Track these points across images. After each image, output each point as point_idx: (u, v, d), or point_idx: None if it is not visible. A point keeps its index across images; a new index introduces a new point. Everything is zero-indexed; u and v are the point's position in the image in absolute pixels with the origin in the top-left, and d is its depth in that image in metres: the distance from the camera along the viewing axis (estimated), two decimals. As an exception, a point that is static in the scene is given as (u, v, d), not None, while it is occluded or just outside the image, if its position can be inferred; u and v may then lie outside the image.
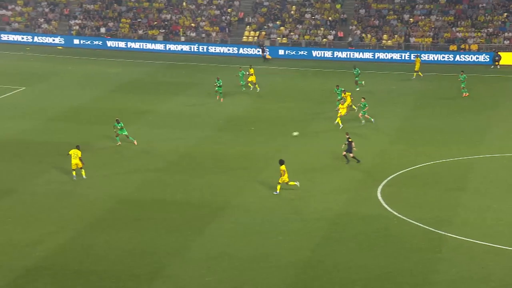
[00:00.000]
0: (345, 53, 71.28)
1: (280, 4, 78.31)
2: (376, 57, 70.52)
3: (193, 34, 75.56)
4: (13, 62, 67.35)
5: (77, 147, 37.64)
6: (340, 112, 47.71)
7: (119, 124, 42.83)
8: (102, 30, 76.83)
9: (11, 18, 78.08)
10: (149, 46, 74.25)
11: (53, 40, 75.44)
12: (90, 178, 37.97)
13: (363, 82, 57.97)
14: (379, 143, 44.30)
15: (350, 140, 40.56)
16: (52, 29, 77.19)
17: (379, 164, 40.66)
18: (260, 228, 32.37)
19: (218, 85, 53.63)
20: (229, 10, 78.27)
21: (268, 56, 70.97)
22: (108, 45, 74.94)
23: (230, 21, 76.87)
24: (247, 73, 57.22)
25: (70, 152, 37.50)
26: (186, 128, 47.08)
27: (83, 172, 37.55)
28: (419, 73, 62.14)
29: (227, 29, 75.95)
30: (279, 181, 36.05)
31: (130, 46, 74.48)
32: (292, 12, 77.35)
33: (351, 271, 28.59)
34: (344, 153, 40.54)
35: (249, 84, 57.15)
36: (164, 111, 51.01)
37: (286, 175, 35.94)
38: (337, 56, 71.16)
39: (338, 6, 77.61)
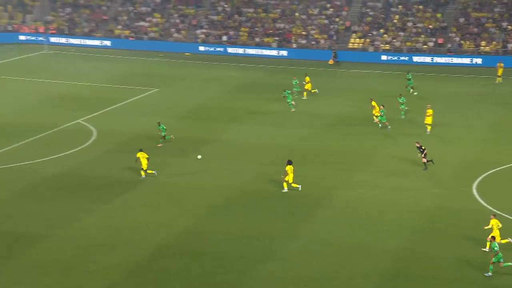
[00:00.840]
0: (444, 58, 70.26)
1: (384, 14, 77.87)
2: (473, 62, 69.22)
3: (304, 41, 76.18)
4: (149, 66, 69.64)
5: (141, 150, 38.06)
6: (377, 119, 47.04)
7: (161, 127, 42.94)
8: (224, 38, 78.47)
9: (148, 28, 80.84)
10: (265, 52, 75.41)
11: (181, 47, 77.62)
12: (213, 169, 39.12)
13: (411, 88, 56.15)
14: (472, 143, 43.67)
15: (422, 148, 38.95)
16: (181, 38, 79.43)
17: (472, 162, 40.09)
18: (358, 218, 32.75)
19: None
20: (337, 19, 78.46)
21: (330, 61, 70.96)
22: (229, 51, 76.47)
23: (338, 30, 77.07)
24: (304, 82, 56.04)
25: (137, 155, 37.88)
26: (294, 126, 47.71)
27: (142, 173, 37.93)
28: (499, 78, 60.75)
29: (334, 36, 76.20)
30: (285, 179, 35.55)
31: (248, 52, 75.85)
32: (395, 20, 76.76)
33: (442, 260, 28.55)
34: (424, 160, 38.95)
35: (305, 93, 55.51)
36: (275, 110, 51.77)
37: (291, 176, 35.40)
38: (436, 61, 70.25)
39: (438, 15, 76.43)
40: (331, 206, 34.36)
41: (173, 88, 59.48)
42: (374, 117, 47.64)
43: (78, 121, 47.86)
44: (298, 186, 35.95)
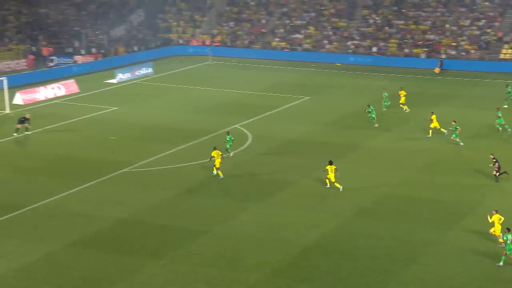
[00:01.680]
0: None
1: (535, 25, 73.10)
2: None
3: (453, 52, 72.95)
4: (302, 76, 69.58)
5: (215, 148, 37.97)
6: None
7: (228, 136, 41.54)
8: (374, 49, 76.82)
9: (302, 40, 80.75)
10: (412, 63, 73.02)
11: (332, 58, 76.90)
12: (360, 174, 38.23)
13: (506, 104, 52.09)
14: None
15: (494, 160, 36.77)
16: (333, 49, 78.64)
17: None
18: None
19: (369, 110, 48.75)
20: (488, 30, 74.50)
21: (436, 70, 68.03)
22: (378, 62, 74.77)
23: (489, 40, 73.14)
24: (397, 94, 53.19)
25: (212, 154, 37.73)
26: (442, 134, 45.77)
27: (220, 172, 37.69)
28: None
29: (485, 47, 72.39)
30: (328, 177, 35.64)
31: (396, 63, 73.73)
32: (546, 32, 71.85)
33: None
34: (495, 172, 36.61)
35: (401, 105, 52.54)
36: (425, 118, 49.85)
37: (332, 174, 35.39)
38: None
39: None
40: (476, 216, 32.32)
41: (323, 96, 58.86)
42: (430, 131, 45.22)
43: (235, 126, 48.40)
44: (339, 186, 35.57)
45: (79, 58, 73.30)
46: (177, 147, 43.61)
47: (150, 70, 69.77)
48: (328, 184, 36.12)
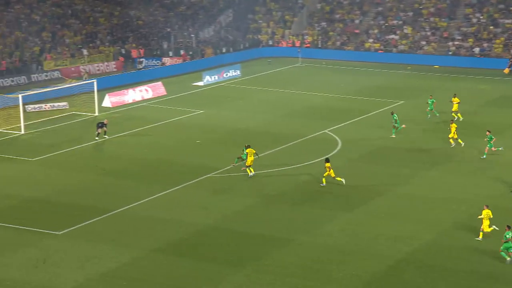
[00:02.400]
0: None
1: None
2: None
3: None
4: (396, 79, 68.50)
5: (249, 146, 38.83)
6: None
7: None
8: (476, 50, 74.67)
9: (398, 41, 79.48)
10: (518, 64, 70.58)
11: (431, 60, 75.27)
12: (457, 183, 37.24)
13: None
14: None
15: None
16: (431, 50, 77.02)
17: None
18: None
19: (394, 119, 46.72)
20: None
21: (506, 70, 65.67)
22: (480, 64, 72.61)
23: None
24: (450, 101, 50.91)
25: (247, 151, 38.74)
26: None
27: (250, 170, 38.57)
28: None
29: None
30: (324, 175, 36.88)
31: (501, 65, 71.33)
32: None
33: None
34: None
35: (453, 114, 50.32)
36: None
37: (331, 170, 36.78)
38: None
39: None
40: None
41: (419, 101, 57.61)
42: (451, 141, 43.86)
43: (325, 131, 48.15)
44: (342, 179, 36.90)
45: (167, 60, 74.91)
46: (264, 152, 43.78)
47: (238, 72, 70.45)
48: (324, 183, 37.10)
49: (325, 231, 31.90)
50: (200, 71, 69.58)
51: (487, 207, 30.82)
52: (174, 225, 32.66)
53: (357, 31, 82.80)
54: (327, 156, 38.65)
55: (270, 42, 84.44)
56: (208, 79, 67.13)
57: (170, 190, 37.25)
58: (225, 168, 40.67)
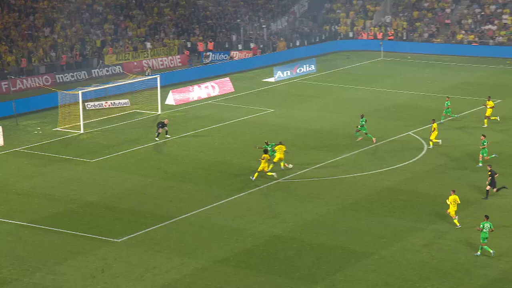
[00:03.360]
0: None
1: None
2: None
3: None
4: (492, 75, 67.14)
5: (281, 143, 40.01)
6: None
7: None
8: None
9: (496, 32, 77.71)
10: None
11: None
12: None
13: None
14: None
15: (489, 172, 36.42)
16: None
17: None
18: None
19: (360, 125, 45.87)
20: None
21: None
22: None
23: None
24: (483, 105, 49.53)
25: (276, 148, 40.21)
26: None
27: (282, 164, 40.13)
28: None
29: None
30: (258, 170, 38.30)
31: None
32: None
33: None
34: (488, 187, 36.37)
35: (485, 120, 48.87)
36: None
37: (265, 164, 38.27)
38: None
39: None
40: None
41: (516, 100, 56.52)
42: (430, 143, 44.28)
43: (408, 133, 47.60)
44: (273, 174, 38.60)
45: (235, 54, 75.53)
46: (339, 155, 43.63)
47: (312, 67, 70.39)
48: (253, 177, 38.74)
49: (409, 244, 31.52)
50: (271, 66, 69.84)
51: (454, 192, 33.09)
52: (241, 234, 32.88)
53: (448, 21, 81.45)
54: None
55: (350, 34, 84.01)
56: (280, 75, 67.32)
57: (236, 196, 37.53)
58: (297, 173, 40.69)
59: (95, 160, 43.64)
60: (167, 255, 30.85)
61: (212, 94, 60.70)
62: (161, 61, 73.13)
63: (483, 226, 30.32)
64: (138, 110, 55.68)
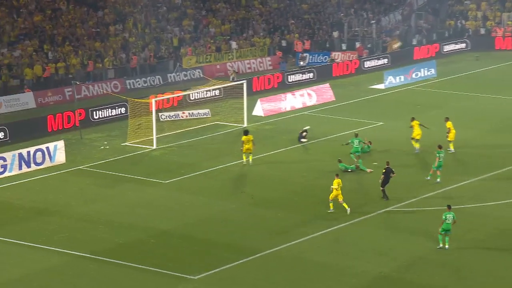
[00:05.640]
0: None
1: None
2: None
3: None
4: None
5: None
6: None
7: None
8: None
9: None
10: None
11: None
12: None
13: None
14: None
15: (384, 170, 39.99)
16: None
17: None
18: None
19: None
20: None
21: None
22: None
23: None
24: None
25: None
26: None
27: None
28: None
29: None
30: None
31: None
32: None
33: None
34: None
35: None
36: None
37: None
38: None
39: None
40: None
41: None
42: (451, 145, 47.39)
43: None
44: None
45: (338, 55, 75.79)
46: (461, 182, 43.24)
47: (432, 71, 69.96)
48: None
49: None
50: (381, 70, 69.73)
51: (338, 176, 38.98)
52: (340, 273, 33.01)
53: None
54: None
55: (481, 31, 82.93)
56: (392, 80, 67.17)
57: (335, 227, 37.72)
58: (410, 201, 40.61)
59: (169, 181, 44.55)
60: (250, 295, 31.35)
61: (309, 104, 61.07)
62: (248, 63, 74.08)
63: (446, 217, 33.37)
64: (220, 122, 56.52)
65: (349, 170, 44.96)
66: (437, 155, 42.92)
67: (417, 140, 48.18)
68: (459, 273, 32.93)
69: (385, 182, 40.50)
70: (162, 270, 33.45)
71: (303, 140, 51.13)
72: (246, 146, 46.23)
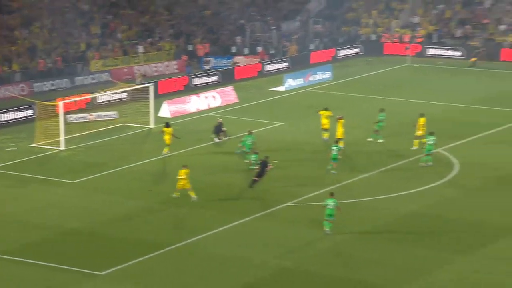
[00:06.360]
0: None
1: None
2: None
3: None
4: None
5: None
6: None
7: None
8: None
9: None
10: None
11: None
12: None
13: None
14: None
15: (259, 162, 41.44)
16: None
17: None
18: None
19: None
20: None
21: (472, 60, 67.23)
22: None
23: None
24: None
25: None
26: None
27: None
28: None
29: None
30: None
31: None
32: None
33: None
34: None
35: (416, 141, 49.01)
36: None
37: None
38: None
39: None
40: None
41: None
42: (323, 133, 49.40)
43: (438, 150, 47.70)
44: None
45: (240, 59, 75.89)
46: (358, 176, 43.80)
47: (328, 74, 70.67)
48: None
49: (435, 279, 31.57)
50: (281, 73, 70.15)
51: (186, 167, 39.88)
52: (244, 264, 33.00)
53: (486, 20, 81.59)
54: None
55: (373, 37, 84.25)
56: (291, 83, 67.64)
57: (237, 222, 37.69)
58: (309, 195, 40.90)
59: (78, 181, 43.86)
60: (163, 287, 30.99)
61: (213, 105, 61.02)
62: (155, 67, 73.65)
63: (327, 203, 35.32)
64: (127, 124, 55.99)
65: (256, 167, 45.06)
66: (332, 147, 43.95)
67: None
68: (350, 262, 33.29)
69: (259, 173, 41.32)
70: (69, 267, 32.76)
71: (216, 139, 51.00)
72: (166, 137, 47.79)
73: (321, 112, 50.60)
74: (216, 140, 51.00)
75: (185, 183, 39.88)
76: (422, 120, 48.23)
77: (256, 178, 41.42)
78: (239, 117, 57.83)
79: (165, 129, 48.19)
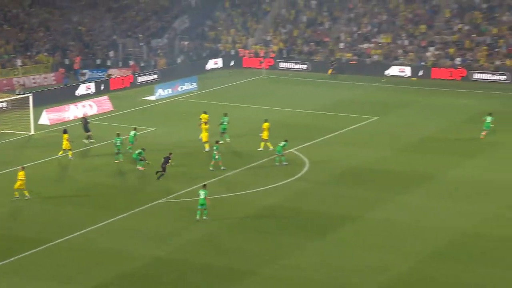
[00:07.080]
0: None
1: None
2: None
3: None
4: (369, 92, 69.49)
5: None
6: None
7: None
8: (458, 60, 76.03)
9: (372, 51, 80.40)
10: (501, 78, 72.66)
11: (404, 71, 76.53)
12: (438, 208, 38.11)
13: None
14: None
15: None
16: (406, 61, 78.09)
17: None
18: None
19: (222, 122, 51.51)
20: None
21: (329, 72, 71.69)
22: (462, 76, 74.07)
23: None
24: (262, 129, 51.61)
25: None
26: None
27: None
28: None
29: None
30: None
31: (482, 78, 73.33)
32: None
33: None
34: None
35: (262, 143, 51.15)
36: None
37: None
38: None
39: None
40: None
41: (395, 117, 58.73)
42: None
43: (290, 150, 48.64)
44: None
45: (114, 72, 74.95)
46: (222, 174, 44.12)
47: (194, 85, 70.84)
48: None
49: (294, 262, 32.20)
50: (152, 84, 69.76)
51: (23, 168, 39.75)
52: (121, 257, 32.73)
53: (327, 39, 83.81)
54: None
55: (232, 52, 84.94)
56: (161, 93, 67.42)
57: (116, 217, 37.33)
58: (179, 193, 40.88)
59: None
60: (44, 282, 30.34)
61: (90, 113, 59.98)
62: (33, 79, 71.73)
63: (199, 193, 36.44)
64: (8, 131, 54.34)
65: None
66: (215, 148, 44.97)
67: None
68: (219, 251, 33.56)
69: (163, 167, 42.50)
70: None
71: (85, 141, 50.56)
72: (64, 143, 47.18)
73: (202, 116, 51.34)
74: (85, 141, 50.55)
75: (22, 183, 39.42)
76: (266, 125, 49.08)
77: (162, 171, 42.39)
78: (114, 123, 57.10)
79: (64, 135, 47.50)
